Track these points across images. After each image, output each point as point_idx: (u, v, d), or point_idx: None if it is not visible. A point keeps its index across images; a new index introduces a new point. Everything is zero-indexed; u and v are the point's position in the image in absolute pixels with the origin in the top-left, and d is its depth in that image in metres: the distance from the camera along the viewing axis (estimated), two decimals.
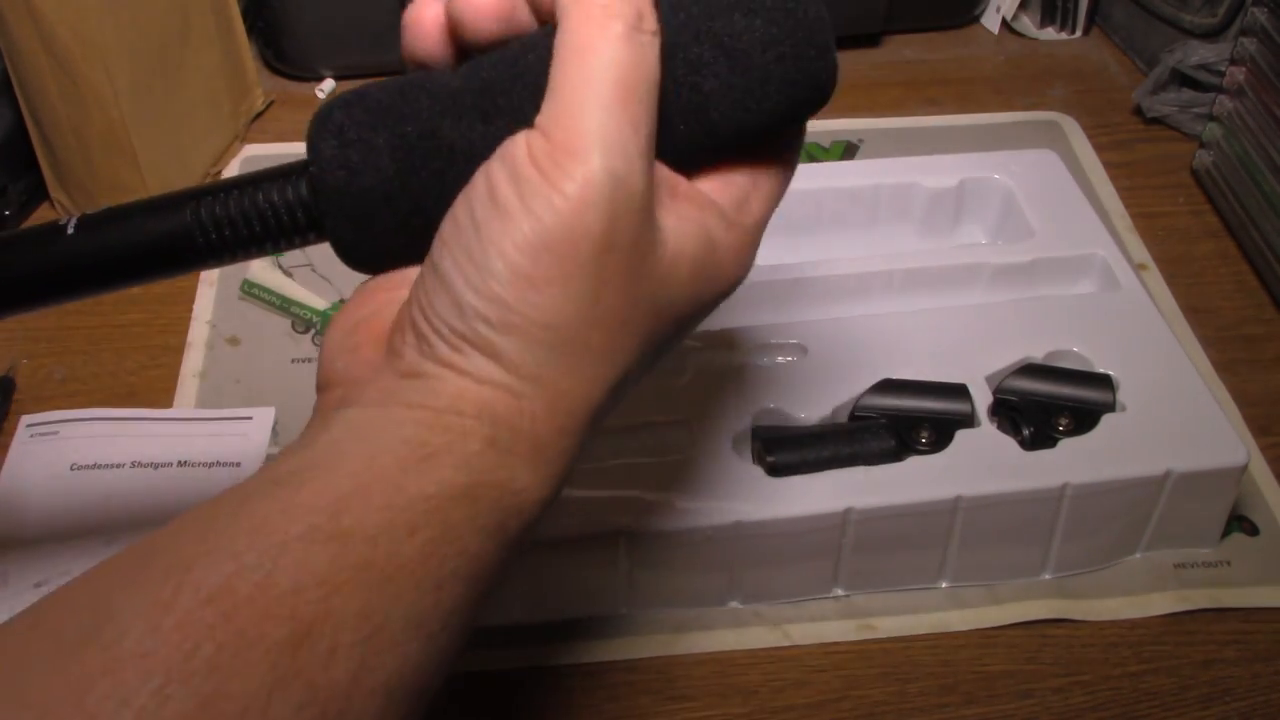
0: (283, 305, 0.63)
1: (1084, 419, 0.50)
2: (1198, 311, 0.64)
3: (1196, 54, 0.73)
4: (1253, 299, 0.65)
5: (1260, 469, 0.56)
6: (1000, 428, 0.50)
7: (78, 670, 0.23)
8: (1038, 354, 0.53)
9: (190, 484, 0.54)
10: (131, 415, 0.57)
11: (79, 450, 0.55)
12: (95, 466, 0.55)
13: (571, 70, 0.30)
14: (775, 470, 0.48)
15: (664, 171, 0.32)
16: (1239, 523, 0.54)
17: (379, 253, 0.34)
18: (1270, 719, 0.47)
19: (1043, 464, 0.48)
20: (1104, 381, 0.51)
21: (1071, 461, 0.48)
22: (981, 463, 0.49)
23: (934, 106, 0.78)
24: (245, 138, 0.74)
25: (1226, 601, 0.51)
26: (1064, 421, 0.50)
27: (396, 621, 0.27)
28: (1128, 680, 0.49)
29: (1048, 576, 0.51)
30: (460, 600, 0.28)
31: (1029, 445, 0.49)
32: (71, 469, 0.54)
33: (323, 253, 0.36)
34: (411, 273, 0.33)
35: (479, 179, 0.31)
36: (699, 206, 0.33)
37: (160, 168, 0.66)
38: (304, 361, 0.61)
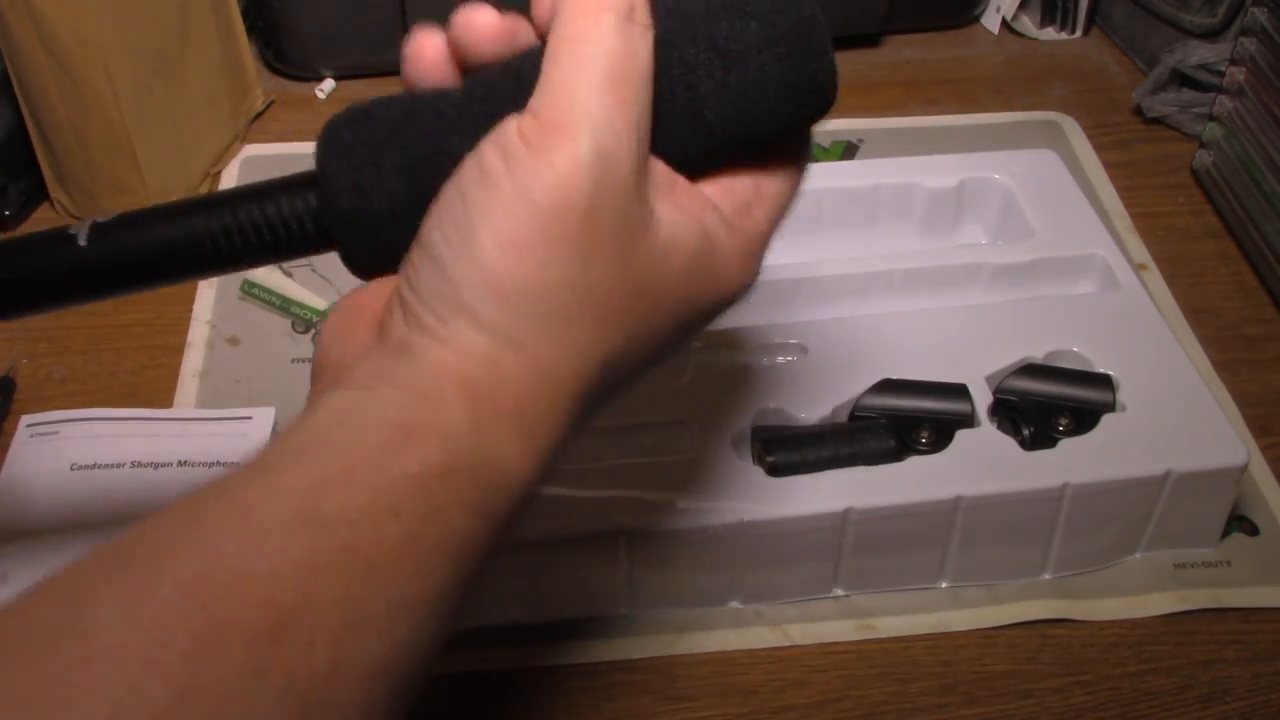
0: (283, 305, 0.63)
1: (1084, 419, 0.50)
2: (1198, 311, 0.64)
3: (1196, 54, 0.73)
4: (1253, 299, 0.65)
5: (1260, 469, 0.56)
6: (1000, 428, 0.50)
7: (52, 663, 0.23)
8: (1038, 354, 0.53)
9: (190, 484, 0.53)
10: (131, 415, 0.57)
11: (79, 450, 0.55)
12: (95, 466, 0.55)
13: (563, 57, 0.30)
14: (775, 470, 0.48)
15: (661, 167, 0.33)
16: (1239, 523, 0.54)
17: (387, 262, 0.34)
18: (1270, 719, 0.47)
19: (1043, 464, 0.48)
20: (1104, 381, 0.51)
21: (1071, 461, 0.48)
22: (981, 463, 0.49)
23: (934, 106, 0.78)
24: (245, 138, 0.74)
25: (1226, 601, 0.51)
26: (1064, 421, 0.50)
27: (380, 606, 0.26)
28: (1128, 680, 0.49)
29: (1048, 576, 0.51)
30: (447, 583, 0.28)
31: (1029, 445, 0.49)
32: (71, 469, 0.54)
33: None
34: None
35: (469, 159, 0.31)
36: (698, 204, 0.33)
37: (160, 168, 0.66)
38: (304, 361, 0.61)
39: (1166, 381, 0.52)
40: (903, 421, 0.50)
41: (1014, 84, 0.80)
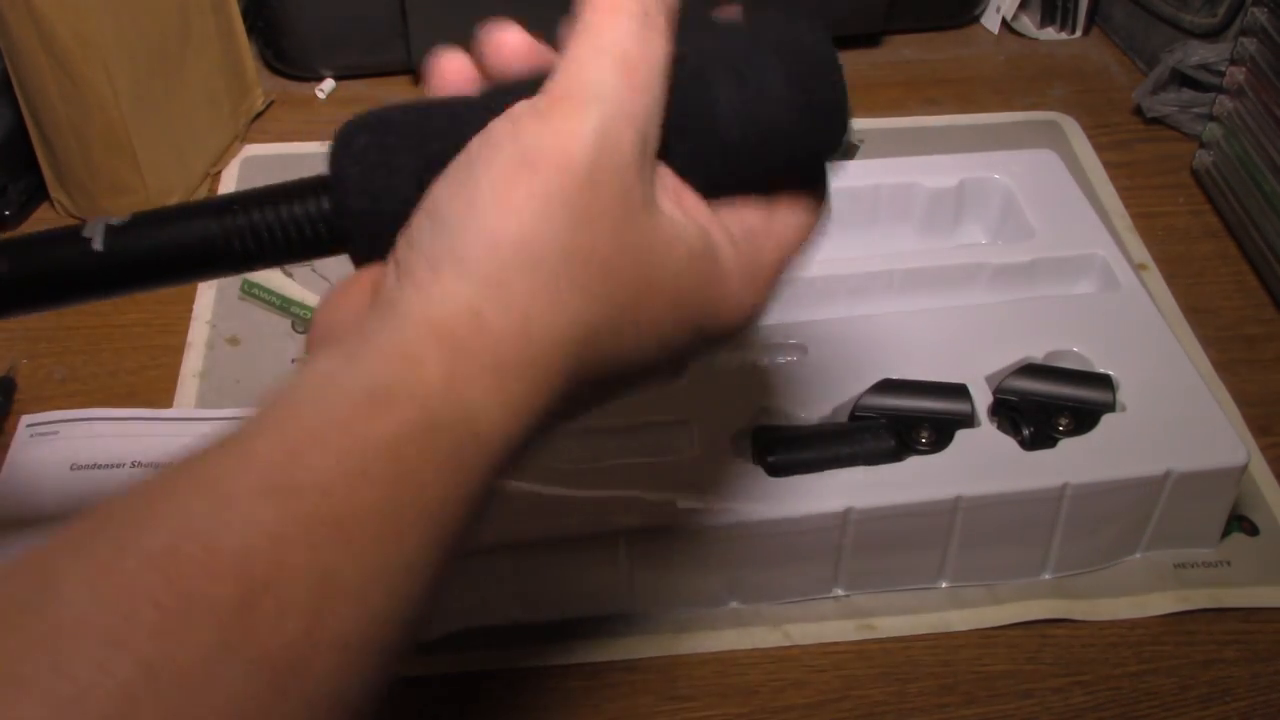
0: (283, 305, 0.63)
1: (1084, 419, 0.50)
2: (1198, 311, 0.64)
3: (1196, 54, 0.73)
4: (1253, 299, 0.65)
5: (1260, 469, 0.56)
6: (1000, 428, 0.50)
7: (16, 640, 0.23)
8: (1038, 354, 0.53)
9: None
10: (131, 415, 0.57)
11: (79, 450, 0.55)
12: (95, 466, 0.55)
13: (578, 45, 0.31)
14: (775, 470, 0.48)
15: (671, 175, 0.33)
16: (1239, 523, 0.54)
17: None
18: (1270, 719, 0.48)
19: (1043, 464, 0.48)
20: (1104, 381, 0.51)
21: (1071, 461, 0.48)
22: (981, 463, 0.49)
23: (934, 106, 0.78)
24: (245, 138, 0.74)
25: (1226, 601, 0.51)
26: (1064, 421, 0.50)
27: (354, 575, 0.26)
28: (1128, 680, 0.49)
29: (1048, 576, 0.51)
30: (424, 549, 0.27)
31: (1029, 445, 0.49)
32: (71, 469, 0.54)
33: None
34: None
35: (480, 132, 0.31)
36: (704, 215, 0.33)
37: (160, 168, 0.67)
38: None
39: (1166, 381, 0.52)
40: (903, 421, 0.50)
41: (1014, 84, 0.80)
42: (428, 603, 0.28)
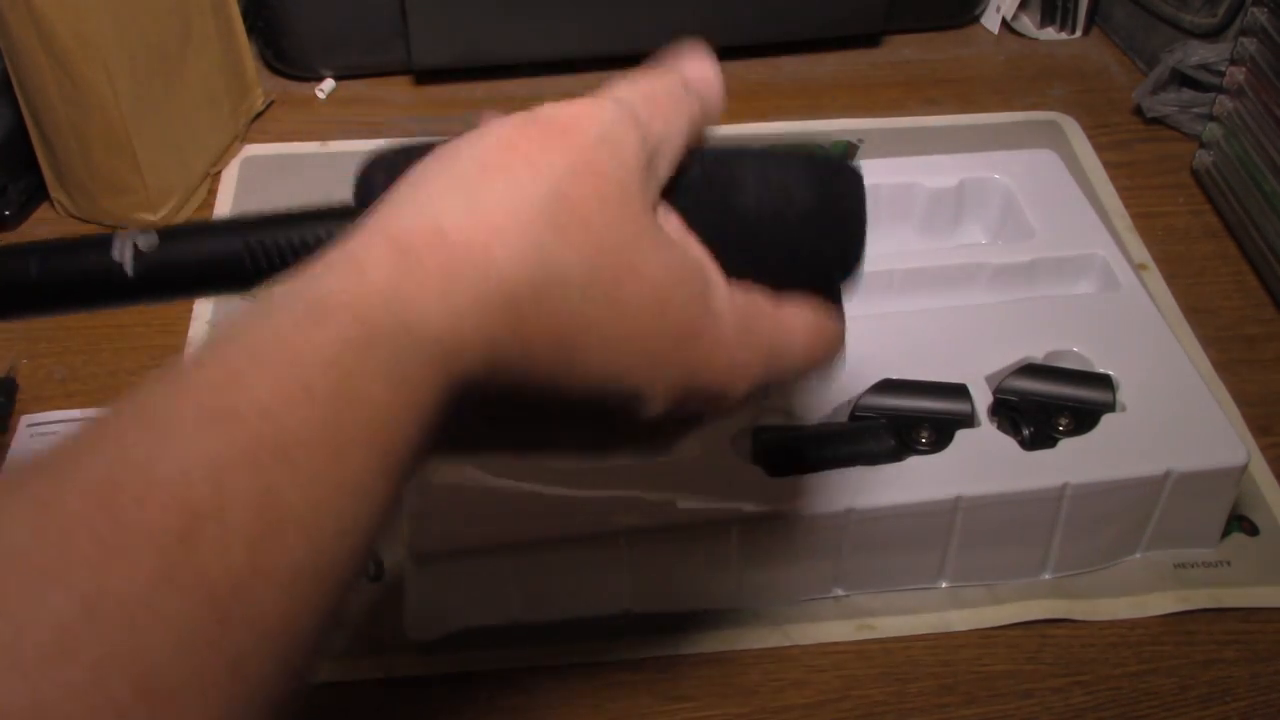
0: None
1: (1084, 419, 0.50)
2: (1198, 311, 0.64)
3: (1196, 54, 0.73)
4: (1253, 299, 0.65)
5: (1260, 469, 0.56)
6: (1000, 428, 0.50)
7: None
8: (1038, 354, 0.53)
9: None
10: None
11: None
12: None
13: (613, 81, 0.33)
14: (775, 470, 0.48)
15: (676, 221, 0.34)
16: (1239, 523, 0.54)
17: None
18: (1270, 719, 0.48)
19: (1043, 464, 0.48)
20: (1104, 381, 0.51)
21: (1071, 461, 0.48)
22: (981, 463, 0.49)
23: (934, 106, 0.78)
24: (245, 138, 0.74)
25: (1226, 601, 0.51)
26: (1064, 421, 0.50)
27: (298, 499, 0.25)
28: (1128, 680, 0.49)
29: (1048, 576, 0.51)
30: (370, 471, 0.26)
31: (1029, 445, 0.49)
32: None
33: None
34: None
35: None
36: (706, 257, 0.34)
37: (160, 168, 0.66)
38: None
39: (1166, 381, 0.52)
40: (903, 421, 0.50)
41: (1014, 84, 0.80)
42: (376, 530, 0.27)
